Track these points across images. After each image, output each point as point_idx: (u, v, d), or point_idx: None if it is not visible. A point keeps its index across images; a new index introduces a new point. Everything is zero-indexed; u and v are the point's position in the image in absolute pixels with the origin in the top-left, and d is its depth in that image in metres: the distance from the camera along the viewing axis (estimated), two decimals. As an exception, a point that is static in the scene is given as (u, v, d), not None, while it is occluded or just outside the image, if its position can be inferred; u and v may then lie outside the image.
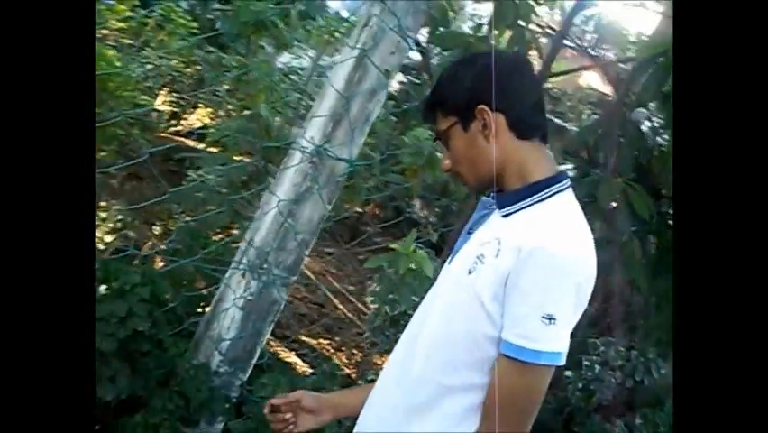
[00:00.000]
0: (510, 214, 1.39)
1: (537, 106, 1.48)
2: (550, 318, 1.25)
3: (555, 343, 1.27)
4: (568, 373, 3.69)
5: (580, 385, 3.62)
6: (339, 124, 2.38)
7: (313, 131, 2.42)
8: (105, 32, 5.63)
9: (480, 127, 1.42)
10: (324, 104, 2.41)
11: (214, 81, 5.96)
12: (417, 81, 6.84)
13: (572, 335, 1.33)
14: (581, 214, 1.41)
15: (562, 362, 1.30)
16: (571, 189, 1.43)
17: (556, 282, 1.27)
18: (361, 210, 6.72)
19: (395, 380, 1.48)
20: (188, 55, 6.11)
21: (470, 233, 1.47)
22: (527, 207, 1.38)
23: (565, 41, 3.90)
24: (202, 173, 4.11)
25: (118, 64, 3.25)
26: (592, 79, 7.93)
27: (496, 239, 1.35)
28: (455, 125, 1.45)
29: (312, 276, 5.45)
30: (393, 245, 2.85)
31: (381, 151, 6.32)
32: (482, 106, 1.40)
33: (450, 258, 1.49)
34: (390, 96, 8.00)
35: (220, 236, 3.47)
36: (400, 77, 8.37)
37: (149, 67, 5.94)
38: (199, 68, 6.20)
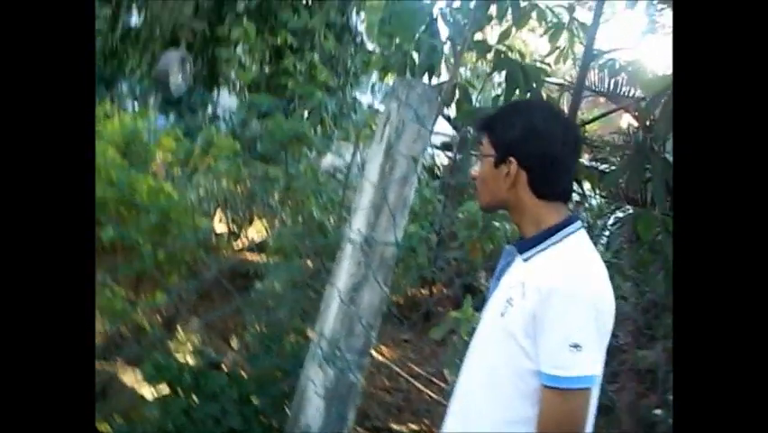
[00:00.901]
0: (530, 258, 1.65)
1: (566, 172, 1.69)
2: (576, 346, 1.46)
3: (586, 367, 1.48)
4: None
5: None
6: (381, 213, 2.69)
7: (358, 222, 2.72)
8: (157, 165, 6.17)
9: (505, 171, 1.67)
10: (363, 197, 2.72)
11: (264, 194, 6.39)
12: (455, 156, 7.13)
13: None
14: (593, 251, 1.65)
15: (597, 383, 1.52)
16: (583, 230, 1.69)
17: (575, 314, 1.48)
18: (429, 292, 6.96)
19: (457, 415, 1.72)
20: (236, 173, 6.57)
21: (498, 279, 1.74)
22: (544, 250, 1.63)
23: (588, 89, 4.18)
24: (268, 281, 4.46)
25: (174, 195, 3.66)
26: (626, 121, 8.11)
27: (520, 282, 1.60)
28: (490, 157, 1.71)
29: (393, 365, 5.67)
30: (453, 313, 3.10)
31: (436, 230, 6.61)
32: (512, 159, 1.66)
33: (485, 304, 1.76)
34: (437, 176, 8.35)
35: (293, 336, 3.76)
36: (442, 154, 8.72)
37: (202, 192, 6.42)
38: (251, 185, 6.64)
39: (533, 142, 1.64)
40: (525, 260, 1.67)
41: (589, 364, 1.49)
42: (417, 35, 3.37)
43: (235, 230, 7.12)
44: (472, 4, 3.47)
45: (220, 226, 6.99)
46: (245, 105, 10.39)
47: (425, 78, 3.68)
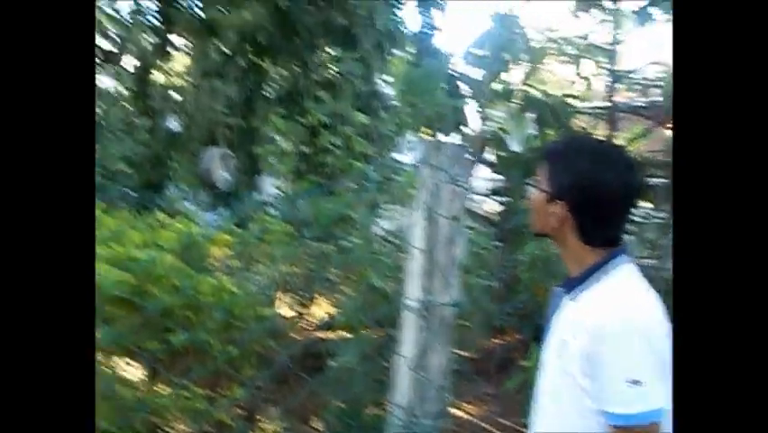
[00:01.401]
0: (577, 297, 1.70)
1: (619, 221, 1.69)
2: (636, 382, 1.49)
3: (649, 402, 1.49)
4: None
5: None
6: (433, 276, 2.79)
7: (413, 289, 2.83)
8: (215, 261, 6.39)
9: (554, 210, 1.68)
10: (414, 263, 2.84)
11: (323, 272, 6.54)
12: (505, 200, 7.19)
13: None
14: (641, 281, 1.66)
15: (665, 415, 1.50)
16: (630, 263, 1.70)
17: (628, 350, 1.51)
18: (502, 341, 6.94)
19: None
20: (293, 256, 6.74)
21: (552, 321, 1.79)
22: (590, 288, 1.67)
23: (620, 110, 4.24)
24: (339, 358, 4.56)
25: (235, 289, 3.82)
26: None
27: (571, 323, 1.66)
28: (543, 190, 1.71)
29: (479, 421, 5.66)
30: (523, 362, 3.14)
31: (498, 277, 6.64)
32: (562, 203, 1.67)
33: (544, 348, 1.81)
34: (492, 222, 8.41)
35: (372, 408, 3.84)
36: (492, 202, 8.79)
37: (263, 280, 6.60)
38: (308, 265, 6.79)
39: (587, 192, 1.63)
40: (573, 299, 1.70)
41: (653, 398, 1.50)
42: (438, 95, 3.50)
43: (301, 311, 7.26)
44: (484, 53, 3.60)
45: (286, 311, 7.13)
46: (291, 190, 10.71)
47: (455, 134, 3.81)
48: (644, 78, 4.40)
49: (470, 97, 3.39)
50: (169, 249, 3.83)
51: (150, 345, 3.17)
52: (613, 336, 1.52)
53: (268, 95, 10.13)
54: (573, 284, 1.71)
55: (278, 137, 10.25)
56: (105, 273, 3.12)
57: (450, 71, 3.44)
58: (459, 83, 3.52)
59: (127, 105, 12.68)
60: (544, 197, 1.71)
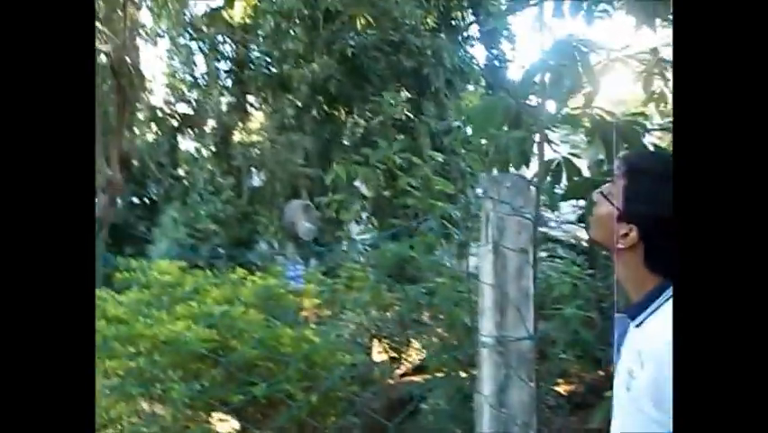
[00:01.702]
0: (641, 323, 1.62)
1: None
2: None
3: None
4: None
5: None
6: (506, 310, 2.78)
7: (487, 325, 2.82)
8: (305, 312, 6.52)
9: (623, 232, 1.56)
10: (485, 299, 2.83)
11: (414, 314, 6.57)
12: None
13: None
14: None
15: None
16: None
17: None
18: (603, 373, 6.77)
19: None
20: (380, 299, 6.80)
21: (618, 351, 1.74)
22: (654, 312, 1.56)
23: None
24: (429, 400, 4.56)
25: (315, 338, 3.89)
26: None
27: (637, 351, 1.60)
28: (614, 205, 1.58)
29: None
30: (608, 393, 3.06)
31: (596, 308, 6.50)
32: (634, 227, 1.55)
33: (615, 380, 1.76)
34: (584, 251, 8.28)
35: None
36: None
37: (353, 327, 6.68)
38: (399, 309, 6.83)
39: (664, 225, 1.49)
40: (638, 326, 1.63)
41: None
42: (502, 128, 3.49)
43: (395, 356, 7.29)
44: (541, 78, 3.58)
45: (380, 356, 7.18)
46: (375, 235, 10.83)
47: (524, 166, 3.79)
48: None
49: (536, 126, 3.37)
50: (251, 303, 3.94)
51: (234, 399, 3.25)
52: None
53: (344, 142, 10.34)
54: (636, 310, 1.60)
55: (357, 183, 10.41)
56: (187, 331, 3.24)
57: (514, 102, 3.44)
58: (525, 112, 3.49)
59: (210, 166, 13.18)
60: (613, 212, 1.58)
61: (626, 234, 1.57)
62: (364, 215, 11.54)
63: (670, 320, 1.54)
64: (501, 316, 2.79)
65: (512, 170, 3.88)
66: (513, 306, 2.75)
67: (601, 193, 1.66)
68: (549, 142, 3.75)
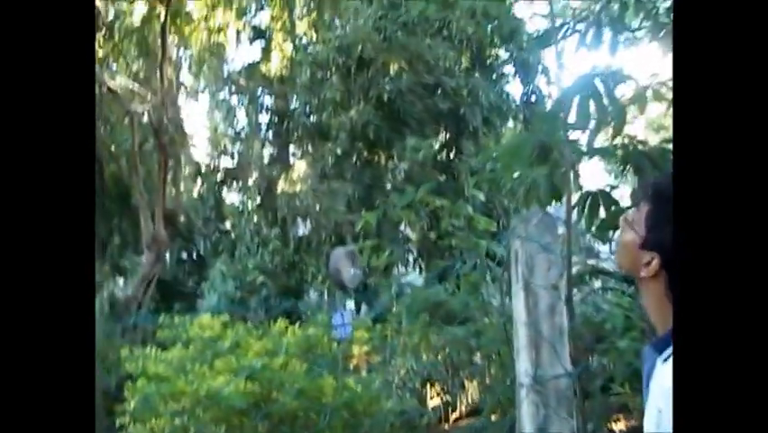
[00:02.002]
0: (668, 358, 1.50)
1: None
2: None
3: None
4: None
5: None
6: (540, 347, 2.79)
7: (523, 364, 2.83)
8: (355, 360, 6.55)
9: (646, 260, 1.51)
10: (520, 338, 2.85)
11: (462, 354, 6.55)
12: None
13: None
14: None
15: None
16: None
17: None
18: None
19: None
20: (429, 343, 6.79)
21: (647, 386, 1.69)
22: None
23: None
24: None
25: (360, 387, 3.92)
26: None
27: (665, 387, 1.45)
28: (636, 231, 1.54)
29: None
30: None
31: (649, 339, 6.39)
32: (655, 255, 1.49)
33: (644, 417, 1.73)
34: (632, 282, 8.18)
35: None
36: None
37: (403, 372, 6.68)
38: (450, 352, 6.81)
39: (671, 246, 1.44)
40: (665, 361, 1.52)
41: None
42: (531, 164, 3.52)
43: (449, 400, 7.25)
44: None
45: (433, 401, 7.14)
46: (422, 278, 10.86)
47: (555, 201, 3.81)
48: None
49: (564, 161, 3.39)
50: (293, 353, 4.00)
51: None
52: None
53: (386, 186, 10.44)
54: (663, 344, 1.52)
55: (402, 227, 10.48)
56: (227, 385, 3.30)
57: (539, 138, 3.48)
58: (553, 147, 3.53)
59: (256, 218, 13.37)
60: (637, 239, 1.54)
61: (649, 263, 1.51)
62: (411, 257, 11.59)
63: None
64: (536, 354, 2.80)
65: (552, 205, 3.91)
66: (547, 343, 2.77)
67: (625, 219, 1.61)
68: (577, 175, 3.77)
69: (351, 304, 10.49)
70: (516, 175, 3.72)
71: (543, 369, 2.78)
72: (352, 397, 3.65)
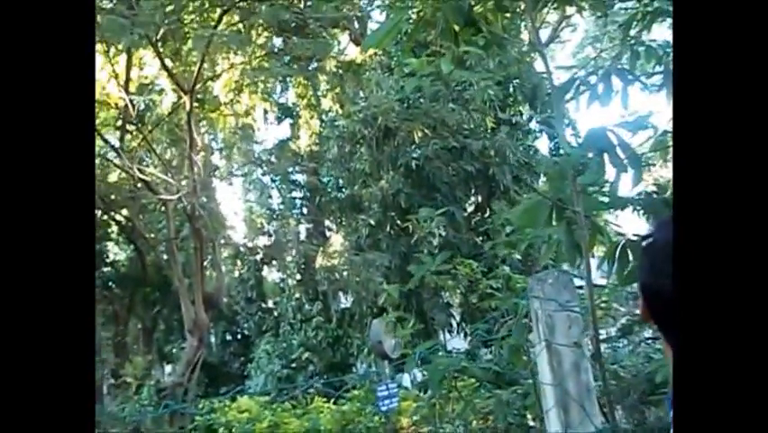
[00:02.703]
0: None
1: None
2: None
3: None
4: None
5: None
6: (569, 407, 2.81)
7: (553, 425, 2.85)
8: (404, 431, 6.55)
9: (640, 304, 1.46)
10: (547, 399, 2.88)
11: (518, 419, 6.51)
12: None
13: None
14: None
15: None
16: None
17: None
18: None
19: None
20: (484, 408, 6.76)
21: None
22: None
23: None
24: None
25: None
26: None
27: None
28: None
29: None
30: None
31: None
32: (642, 299, 1.45)
33: None
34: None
35: None
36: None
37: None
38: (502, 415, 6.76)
39: (658, 299, 1.41)
40: None
41: None
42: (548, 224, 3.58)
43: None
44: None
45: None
46: (467, 342, 10.82)
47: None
48: None
49: (578, 217, 3.45)
50: (333, 430, 4.04)
51: None
52: None
53: (421, 253, 10.51)
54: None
55: (443, 293, 10.50)
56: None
57: (551, 200, 3.55)
58: (568, 205, 3.59)
59: (297, 294, 13.53)
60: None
61: (641, 309, 1.46)
62: (454, 322, 11.58)
63: None
64: (565, 414, 2.83)
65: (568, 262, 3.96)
66: (575, 402, 2.80)
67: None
68: (598, 231, 3.82)
69: (405, 376, 10.50)
70: (534, 235, 3.80)
71: (572, 428, 2.80)
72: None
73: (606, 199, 3.77)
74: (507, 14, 3.90)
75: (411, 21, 4.20)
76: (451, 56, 4.98)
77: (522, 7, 3.98)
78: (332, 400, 4.96)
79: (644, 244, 1.47)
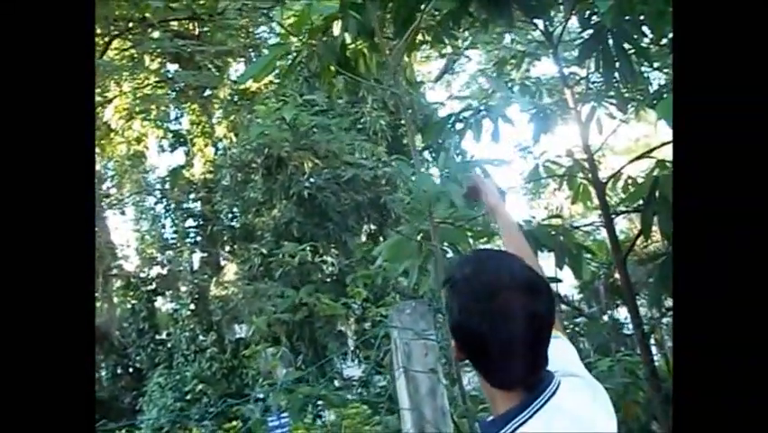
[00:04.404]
0: None
1: (518, 358, 1.40)
2: None
3: None
4: None
5: None
6: (425, 430, 2.99)
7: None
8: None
9: (453, 350, 1.50)
10: (405, 423, 3.05)
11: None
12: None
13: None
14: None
15: None
16: (540, 412, 1.43)
17: None
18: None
19: None
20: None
21: None
22: None
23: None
24: None
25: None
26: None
27: None
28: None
29: None
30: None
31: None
32: (454, 345, 1.48)
33: None
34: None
35: None
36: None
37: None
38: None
39: (469, 336, 1.44)
40: None
41: None
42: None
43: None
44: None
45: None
46: (364, 371, 10.91)
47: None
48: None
49: (437, 249, 3.64)
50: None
51: None
52: None
53: (315, 281, 10.62)
54: (492, 427, 1.47)
55: (334, 320, 10.62)
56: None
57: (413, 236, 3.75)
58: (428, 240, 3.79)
59: (191, 325, 13.36)
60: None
61: (456, 353, 1.51)
62: (347, 348, 11.69)
63: None
64: (423, 440, 3.00)
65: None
66: (431, 426, 2.97)
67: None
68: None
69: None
70: (393, 268, 3.99)
71: (429, 451, 2.98)
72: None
73: (459, 231, 3.97)
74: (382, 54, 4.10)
75: (289, 56, 4.34)
76: (330, 88, 5.17)
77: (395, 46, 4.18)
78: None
79: (445, 287, 1.54)
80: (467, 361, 1.49)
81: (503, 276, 1.46)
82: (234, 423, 5.85)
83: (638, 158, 4.85)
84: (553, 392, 1.44)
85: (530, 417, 1.41)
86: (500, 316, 1.38)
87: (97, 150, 13.20)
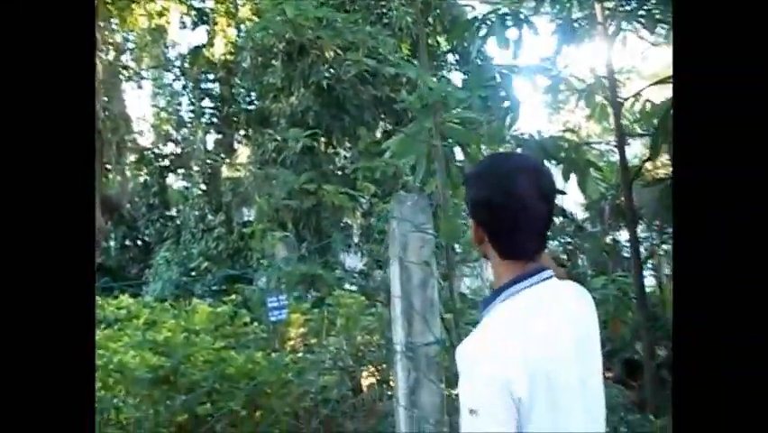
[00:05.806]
0: (482, 318, 1.68)
1: (528, 233, 1.61)
2: (472, 412, 1.48)
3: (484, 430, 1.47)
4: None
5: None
6: (412, 319, 3.14)
7: (397, 333, 3.18)
8: (291, 342, 6.86)
9: (472, 227, 1.69)
10: (395, 309, 3.20)
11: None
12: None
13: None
14: (529, 309, 1.59)
15: None
16: (540, 285, 1.62)
17: (467, 378, 1.53)
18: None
19: None
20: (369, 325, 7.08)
21: None
22: (490, 310, 1.64)
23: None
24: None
25: (266, 365, 4.24)
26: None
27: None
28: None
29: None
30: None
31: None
32: (473, 221, 1.68)
33: None
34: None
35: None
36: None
37: (334, 351, 6.96)
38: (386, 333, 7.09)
39: (484, 211, 1.65)
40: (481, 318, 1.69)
41: (489, 427, 1.48)
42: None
43: (380, 378, 7.55)
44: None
45: (367, 382, 7.44)
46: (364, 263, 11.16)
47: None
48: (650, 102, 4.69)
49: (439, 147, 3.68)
50: (203, 329, 4.28)
51: (179, 418, 3.60)
52: (458, 364, 1.58)
53: (327, 172, 10.71)
54: (483, 305, 1.70)
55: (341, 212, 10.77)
56: (139, 358, 3.59)
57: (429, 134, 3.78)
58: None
59: (201, 204, 13.58)
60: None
61: (474, 229, 1.69)
62: (352, 241, 11.92)
63: (481, 323, 1.65)
64: (409, 324, 3.16)
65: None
66: (418, 315, 3.12)
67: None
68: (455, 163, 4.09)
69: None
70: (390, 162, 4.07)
71: (413, 337, 3.14)
72: (258, 370, 3.95)
73: (468, 131, 3.99)
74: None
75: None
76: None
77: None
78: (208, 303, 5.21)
79: (465, 185, 1.75)
80: (482, 243, 1.69)
81: (513, 160, 1.78)
82: (234, 296, 6.05)
83: (659, 82, 4.84)
84: (550, 276, 1.66)
85: (531, 285, 1.62)
86: (513, 190, 1.60)
87: (117, 20, 13.11)
